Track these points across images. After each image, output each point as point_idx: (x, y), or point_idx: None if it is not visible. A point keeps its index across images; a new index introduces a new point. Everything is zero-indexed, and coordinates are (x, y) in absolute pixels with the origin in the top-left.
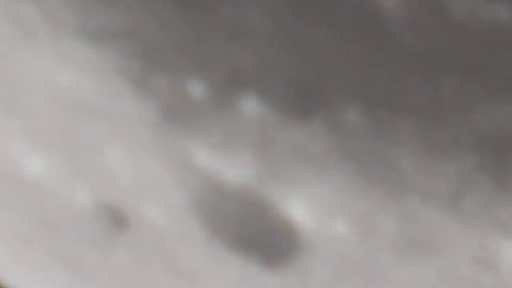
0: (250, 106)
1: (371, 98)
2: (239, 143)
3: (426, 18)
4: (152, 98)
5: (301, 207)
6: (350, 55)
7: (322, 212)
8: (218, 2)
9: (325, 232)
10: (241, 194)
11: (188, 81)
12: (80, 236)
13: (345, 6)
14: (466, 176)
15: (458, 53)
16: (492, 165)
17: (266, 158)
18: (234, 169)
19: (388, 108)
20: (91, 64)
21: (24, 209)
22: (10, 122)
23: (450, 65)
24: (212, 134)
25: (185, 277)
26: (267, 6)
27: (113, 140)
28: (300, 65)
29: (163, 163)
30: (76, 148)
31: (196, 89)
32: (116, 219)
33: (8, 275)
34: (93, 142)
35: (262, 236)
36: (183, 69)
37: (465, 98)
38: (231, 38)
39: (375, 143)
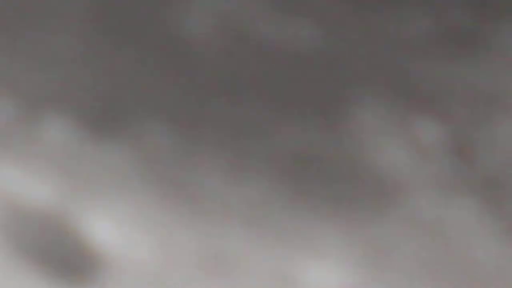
0: (55, 126)
1: (178, 119)
2: (43, 163)
3: (234, 45)
4: None
5: (105, 226)
6: (159, 77)
7: (126, 231)
8: (26, 27)
9: (128, 251)
10: (44, 214)
11: None
12: None
13: (155, 32)
14: (269, 192)
15: (263, 77)
16: (294, 183)
17: (71, 178)
18: (38, 190)
19: (195, 128)
20: None
21: None
22: None
23: (255, 88)
24: (18, 155)
25: None
26: (75, 32)
27: None
28: (108, 87)
29: None
30: None
31: (3, 108)
32: None
33: None
34: None
35: (64, 256)
36: None
37: (265, 119)
38: (38, 61)
39: (180, 162)
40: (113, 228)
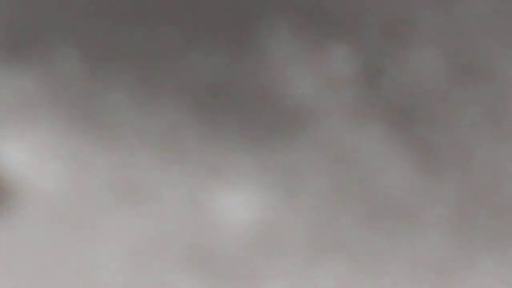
0: None
1: (90, 45)
2: None
3: None
4: None
5: (13, 155)
6: (70, 2)
7: (35, 160)
8: None
9: (38, 180)
10: None
11: None
12: None
13: None
14: (181, 119)
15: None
16: (207, 109)
17: None
18: None
19: (106, 55)
20: None
21: None
22: None
23: (167, 17)
24: None
25: None
26: None
27: None
28: (18, 11)
29: None
30: None
31: None
32: None
33: None
34: None
35: None
36: None
37: (181, 44)
38: None
39: (94, 84)
40: (22, 157)
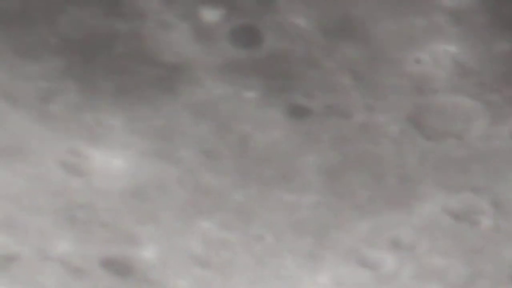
0: None
1: None
2: None
3: None
4: None
5: None
6: None
7: None
8: None
9: None
10: None
11: None
12: None
13: None
14: (52, 80)
15: None
16: (79, 69)
17: None
18: None
19: None
20: None
21: None
22: None
23: None
24: None
25: None
26: None
27: None
28: None
29: None
30: None
31: None
32: None
33: None
34: None
35: None
36: None
37: (52, 2)
38: None
39: None
40: None
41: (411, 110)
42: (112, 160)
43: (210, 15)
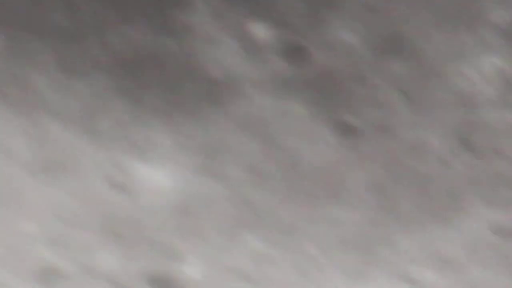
0: None
1: (11, 21)
2: None
3: None
4: None
5: None
6: None
7: None
8: None
9: None
10: None
11: None
12: None
13: None
14: (101, 97)
15: None
16: (127, 86)
17: None
18: None
19: (27, 31)
20: None
21: None
22: None
23: None
24: None
25: None
26: None
27: None
28: None
29: None
30: None
31: None
32: None
33: None
34: None
35: None
36: None
37: (101, 20)
38: None
39: (12, 64)
40: None
41: (460, 127)
42: (159, 176)
43: (259, 30)
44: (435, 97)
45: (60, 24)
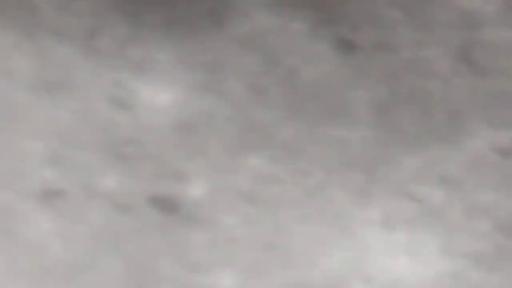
0: None
1: None
2: None
3: None
4: None
5: None
6: None
7: None
8: None
9: None
10: None
11: None
12: None
13: None
14: (100, 15)
15: None
16: (126, 3)
17: None
18: None
19: None
20: None
21: None
22: None
23: None
24: None
25: None
26: None
27: None
28: None
29: None
30: None
31: None
32: None
33: None
34: None
35: None
36: None
37: None
38: None
39: None
40: None
41: (460, 45)
42: (159, 94)
43: None
44: (435, 15)
45: None
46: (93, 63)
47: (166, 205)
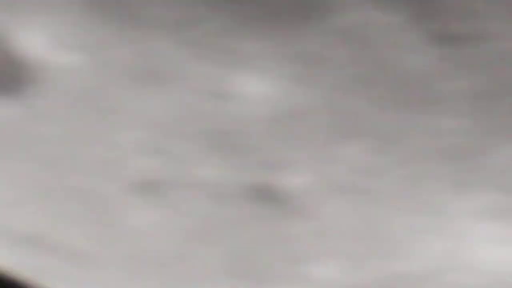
0: None
1: None
2: None
3: None
4: None
5: (34, 39)
6: None
7: (56, 44)
8: None
9: (59, 64)
10: None
11: None
12: None
13: None
14: (199, 6)
15: None
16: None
17: None
18: None
19: None
20: None
21: None
22: None
23: None
24: None
25: None
26: None
27: None
28: None
29: None
30: None
31: None
32: None
33: None
34: None
35: None
36: None
37: None
38: None
39: None
40: (44, 41)
41: None
42: (257, 85)
43: None
44: None
45: None
46: (191, 55)
47: (264, 195)
